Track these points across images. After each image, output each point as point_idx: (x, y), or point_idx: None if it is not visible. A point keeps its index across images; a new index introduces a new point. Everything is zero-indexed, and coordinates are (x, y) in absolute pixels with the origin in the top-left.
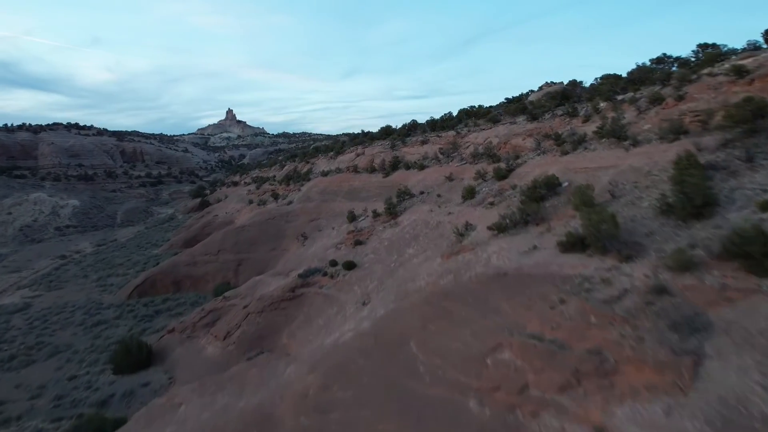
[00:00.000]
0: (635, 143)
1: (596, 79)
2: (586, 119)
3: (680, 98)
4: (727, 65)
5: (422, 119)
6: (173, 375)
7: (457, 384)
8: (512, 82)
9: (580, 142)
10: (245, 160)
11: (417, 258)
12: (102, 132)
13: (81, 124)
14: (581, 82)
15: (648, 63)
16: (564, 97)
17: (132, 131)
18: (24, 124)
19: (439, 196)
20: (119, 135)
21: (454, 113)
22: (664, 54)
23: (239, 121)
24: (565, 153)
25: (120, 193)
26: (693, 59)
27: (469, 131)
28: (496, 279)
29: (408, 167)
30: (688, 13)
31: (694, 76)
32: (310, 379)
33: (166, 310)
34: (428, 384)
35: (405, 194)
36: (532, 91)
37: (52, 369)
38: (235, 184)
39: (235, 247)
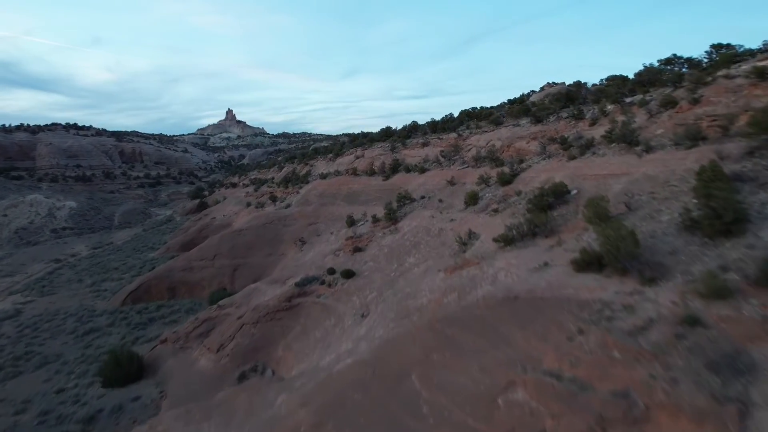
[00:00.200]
0: (648, 149)
1: (602, 80)
2: (593, 122)
3: (695, 101)
4: (745, 67)
5: (422, 119)
6: (164, 389)
7: (465, 428)
8: (512, 82)
9: (587, 146)
10: (245, 161)
11: (418, 267)
12: (101, 132)
13: (81, 124)
14: (585, 84)
15: (656, 64)
16: (568, 98)
17: (131, 131)
18: (22, 124)
19: (440, 201)
20: (118, 135)
21: (455, 114)
22: (674, 55)
23: (239, 121)
24: (572, 158)
25: (118, 194)
26: (706, 60)
27: (470, 133)
28: (506, 303)
29: (408, 170)
30: (689, 14)
31: (709, 78)
32: (302, 414)
33: (160, 318)
34: (432, 426)
35: (405, 199)
36: (533, 91)
37: (40, 381)
38: (234, 185)
39: (231, 251)
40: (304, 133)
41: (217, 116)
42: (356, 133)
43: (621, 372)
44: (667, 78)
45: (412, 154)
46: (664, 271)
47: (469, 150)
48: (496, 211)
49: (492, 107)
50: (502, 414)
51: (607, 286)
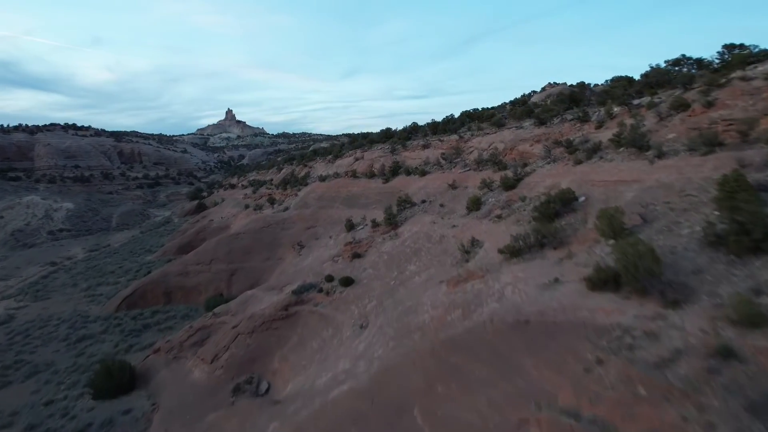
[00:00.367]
0: (660, 155)
1: (606, 81)
2: (600, 125)
3: (709, 104)
4: (762, 68)
5: (423, 119)
6: (157, 401)
7: None
8: (513, 83)
9: (594, 150)
10: (244, 161)
11: (419, 276)
12: (100, 133)
13: (81, 124)
14: (589, 85)
15: (663, 64)
16: (572, 100)
17: (131, 131)
18: (20, 124)
19: (441, 205)
20: (117, 136)
21: (455, 114)
22: (683, 55)
23: (239, 121)
24: (578, 162)
25: (117, 195)
26: (717, 61)
27: (472, 135)
28: (516, 328)
29: (409, 173)
30: (689, 14)
31: (723, 80)
32: None
33: (155, 324)
34: None
35: (405, 203)
36: (534, 91)
37: (29, 392)
38: (233, 186)
39: (228, 256)
40: (304, 133)
41: (218, 116)
42: (356, 133)
43: (648, 412)
44: (678, 79)
45: (412, 156)
46: (688, 292)
47: (471, 152)
48: (499, 217)
49: (492, 108)
50: None
51: (626, 308)
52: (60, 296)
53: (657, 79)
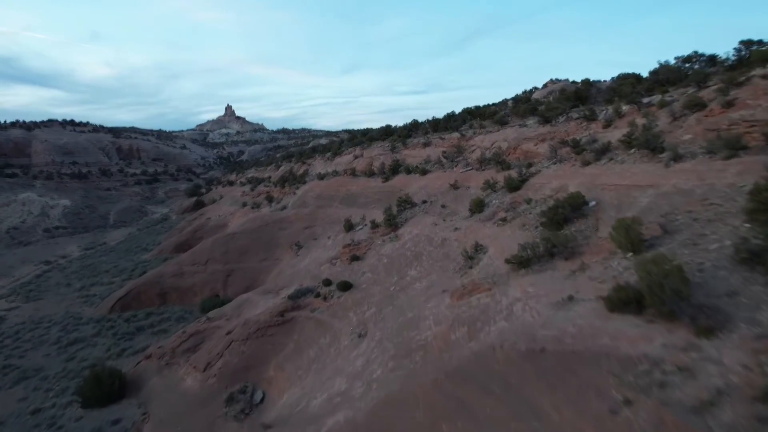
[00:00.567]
0: (676, 157)
1: (612, 78)
2: (608, 124)
3: (729, 104)
4: None
5: (423, 115)
6: (147, 410)
7: None
8: (512, 78)
9: (603, 151)
10: (244, 157)
11: (420, 282)
12: (98, 129)
13: (81, 120)
14: (594, 81)
15: (672, 61)
16: (578, 97)
17: (129, 127)
18: (17, 121)
19: (443, 206)
20: (116, 132)
21: (456, 110)
22: (695, 52)
23: (238, 117)
24: (586, 163)
25: (114, 192)
26: (734, 58)
27: (474, 133)
28: (529, 357)
29: (409, 171)
30: (688, 13)
31: (743, 78)
32: None
33: (148, 327)
34: None
35: (406, 203)
36: (536, 88)
37: (16, 399)
38: (231, 183)
39: (224, 256)
40: (303, 129)
41: (218, 111)
42: (356, 129)
43: None
44: (690, 77)
45: (412, 155)
46: (723, 318)
47: (473, 151)
48: (504, 220)
49: (494, 104)
50: None
51: (652, 335)
52: (53, 296)
53: (668, 76)
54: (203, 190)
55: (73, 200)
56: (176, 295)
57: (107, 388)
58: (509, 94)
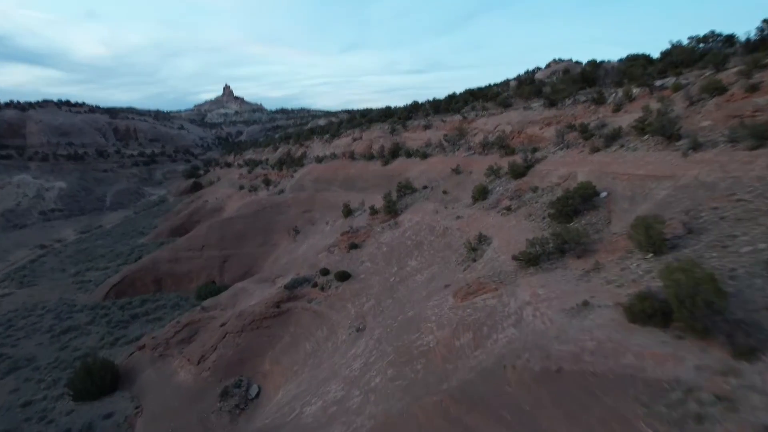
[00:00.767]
0: (695, 146)
1: (620, 59)
2: (618, 108)
3: (753, 88)
4: None
5: (423, 95)
6: (140, 403)
7: None
8: (514, 58)
9: (613, 137)
10: (242, 137)
11: (420, 274)
12: (94, 109)
13: (77, 100)
14: (602, 62)
15: (686, 42)
16: (585, 79)
17: (126, 108)
18: (11, 101)
19: (445, 192)
20: (112, 112)
21: (457, 90)
22: (712, 31)
23: (237, 97)
24: (595, 150)
25: (111, 174)
26: (756, 37)
27: (476, 116)
28: (544, 379)
29: (409, 155)
30: None
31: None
32: None
33: (143, 314)
34: None
35: (406, 189)
36: (539, 68)
37: (7, 391)
38: (229, 165)
39: (221, 242)
40: (302, 109)
41: (216, 91)
42: (356, 109)
43: None
44: (708, 58)
45: (413, 138)
46: (764, 336)
47: (476, 134)
48: (509, 209)
49: (496, 84)
50: None
51: (683, 355)
52: (47, 282)
53: (682, 57)
54: (201, 172)
55: (69, 182)
56: (172, 282)
57: (99, 381)
58: (511, 74)
